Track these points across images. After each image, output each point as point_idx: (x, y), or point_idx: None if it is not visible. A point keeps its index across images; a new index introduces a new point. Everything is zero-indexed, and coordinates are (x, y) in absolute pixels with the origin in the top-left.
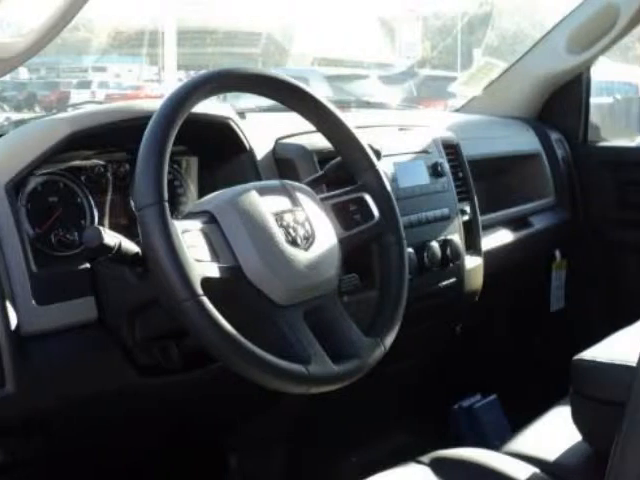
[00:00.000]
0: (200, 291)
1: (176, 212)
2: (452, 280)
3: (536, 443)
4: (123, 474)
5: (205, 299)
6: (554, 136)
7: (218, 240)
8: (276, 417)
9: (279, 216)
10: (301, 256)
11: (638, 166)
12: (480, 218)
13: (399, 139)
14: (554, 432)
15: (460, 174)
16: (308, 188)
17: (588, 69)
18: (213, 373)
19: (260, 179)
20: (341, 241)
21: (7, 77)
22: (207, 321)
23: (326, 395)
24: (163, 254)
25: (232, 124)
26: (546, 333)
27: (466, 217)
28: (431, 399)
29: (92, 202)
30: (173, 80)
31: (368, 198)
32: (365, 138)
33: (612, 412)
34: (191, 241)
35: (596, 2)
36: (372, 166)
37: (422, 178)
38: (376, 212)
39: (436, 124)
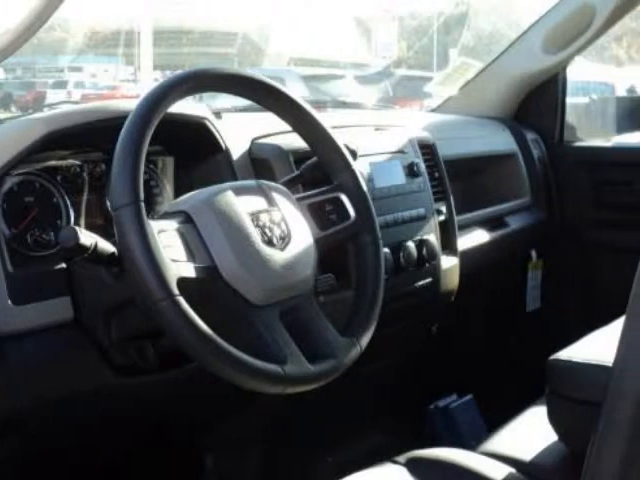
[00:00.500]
0: (176, 291)
1: (152, 212)
2: (428, 280)
3: (512, 443)
4: (99, 474)
5: (181, 299)
6: (530, 136)
7: (194, 240)
8: (252, 417)
9: (255, 216)
10: (277, 256)
11: (614, 166)
12: (456, 218)
13: (375, 139)
14: (530, 432)
15: (436, 174)
16: (284, 188)
17: (564, 69)
18: (189, 373)
19: (236, 179)
20: (317, 241)
21: None
22: (183, 321)
23: (302, 395)
24: (139, 254)
25: (208, 124)
26: (522, 333)
27: (442, 217)
28: (407, 399)
29: (68, 202)
30: (149, 80)
31: (344, 198)
32: (341, 138)
33: (588, 412)
34: (167, 241)
35: (572, 2)
36: (348, 166)
37: (398, 178)
38: (352, 212)
39: (412, 124)
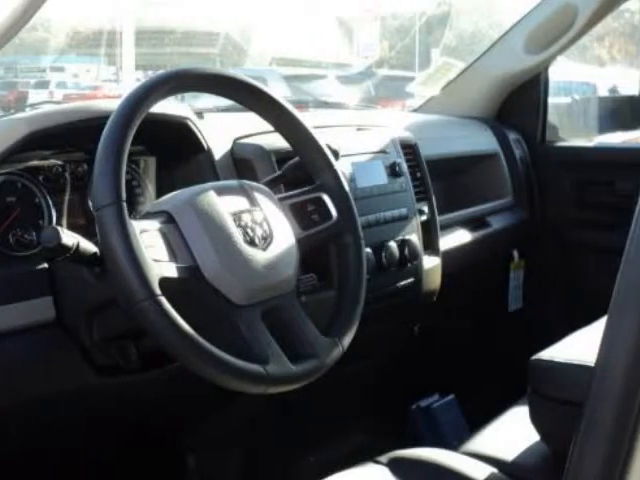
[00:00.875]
0: (158, 291)
1: (134, 212)
2: (410, 280)
3: (494, 443)
4: (81, 474)
5: (163, 299)
6: (512, 136)
7: (176, 240)
8: (234, 417)
9: (237, 216)
10: (259, 256)
11: (596, 166)
12: (438, 218)
13: (357, 139)
14: (512, 432)
15: (418, 174)
16: (266, 188)
17: (546, 69)
18: (171, 373)
19: (218, 179)
20: (299, 241)
21: None
22: (165, 321)
23: (284, 395)
24: (121, 254)
25: (190, 124)
26: (504, 333)
27: (424, 217)
28: (389, 399)
29: (50, 202)
30: (131, 80)
31: (326, 198)
32: (323, 138)
33: (570, 412)
34: (149, 241)
35: (554, 2)
36: (330, 166)
37: (380, 178)
38: (334, 212)
39: (394, 124)
